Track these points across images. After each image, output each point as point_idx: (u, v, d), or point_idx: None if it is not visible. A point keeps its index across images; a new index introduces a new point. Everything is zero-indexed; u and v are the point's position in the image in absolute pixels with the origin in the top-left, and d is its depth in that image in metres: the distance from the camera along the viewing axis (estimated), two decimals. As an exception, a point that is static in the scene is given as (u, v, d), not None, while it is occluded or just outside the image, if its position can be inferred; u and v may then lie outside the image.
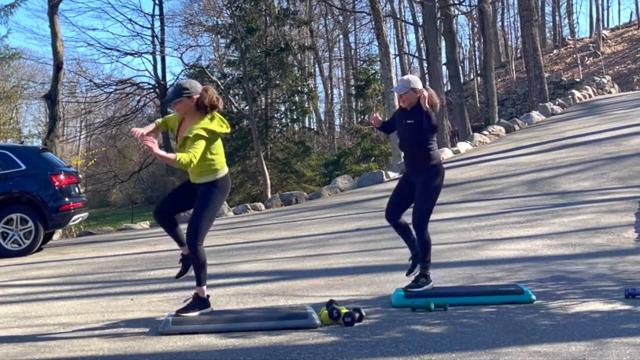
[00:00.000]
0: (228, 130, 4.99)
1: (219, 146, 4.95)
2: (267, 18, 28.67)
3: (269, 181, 23.55)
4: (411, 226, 5.49)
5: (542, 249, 7.21)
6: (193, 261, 4.94)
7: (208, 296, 5.03)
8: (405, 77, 5.58)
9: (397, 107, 5.59)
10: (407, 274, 5.53)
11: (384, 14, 23.83)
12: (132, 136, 34.26)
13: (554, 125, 18.88)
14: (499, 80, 34.27)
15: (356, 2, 31.06)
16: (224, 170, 4.98)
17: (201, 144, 4.75)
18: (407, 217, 5.48)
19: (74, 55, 45.66)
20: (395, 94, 5.63)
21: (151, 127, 5.06)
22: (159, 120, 5.17)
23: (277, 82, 28.20)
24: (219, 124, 4.91)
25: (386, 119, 5.72)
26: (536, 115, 20.62)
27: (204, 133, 4.78)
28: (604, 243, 7.30)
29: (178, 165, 4.69)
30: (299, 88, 30.15)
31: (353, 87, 34.50)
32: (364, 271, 6.71)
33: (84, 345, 4.51)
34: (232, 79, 28.35)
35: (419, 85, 5.42)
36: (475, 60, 44.75)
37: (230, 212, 14.19)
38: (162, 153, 4.69)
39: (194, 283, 5.01)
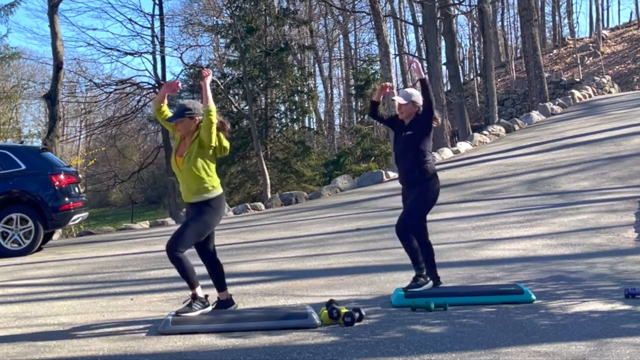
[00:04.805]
0: (227, 149, 5.07)
1: (214, 167, 5.03)
2: (267, 18, 28.65)
3: (268, 181, 23.55)
4: (431, 245, 5.53)
5: (542, 249, 7.22)
6: (177, 269, 4.92)
7: (206, 296, 5.03)
8: (408, 89, 5.67)
9: (397, 108, 5.62)
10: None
11: (383, 13, 23.82)
12: (132, 136, 34.09)
13: (553, 125, 18.88)
14: (499, 80, 34.26)
15: (356, 2, 31.04)
16: (218, 190, 5.00)
17: (215, 126, 4.91)
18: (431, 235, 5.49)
19: (74, 55, 45.63)
20: (396, 103, 5.64)
21: (164, 101, 5.13)
22: (166, 105, 5.15)
23: (277, 82, 28.18)
24: (223, 138, 5.05)
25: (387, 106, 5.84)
26: (536, 115, 20.62)
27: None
28: (604, 243, 7.30)
29: (207, 111, 4.85)
30: (299, 88, 30.13)
31: (353, 87, 34.49)
32: (364, 271, 6.71)
33: (84, 345, 4.51)
34: (232, 79, 28.33)
35: (419, 100, 5.51)
36: (475, 60, 44.73)
37: (230, 212, 14.19)
38: (209, 90, 4.97)
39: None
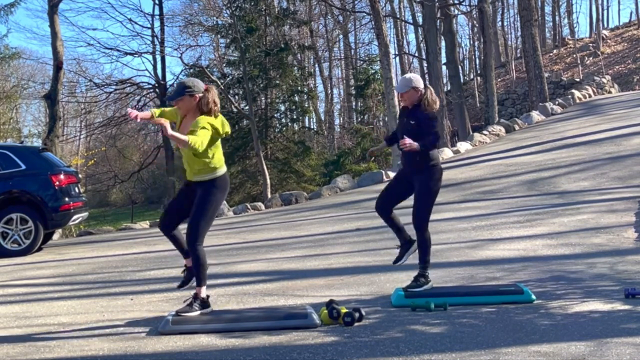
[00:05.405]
0: (229, 131, 5.00)
1: (218, 146, 4.96)
2: (267, 18, 28.66)
3: (268, 181, 23.55)
4: (399, 217, 5.53)
5: (542, 249, 7.21)
6: (193, 261, 4.93)
7: (208, 296, 5.03)
8: (407, 75, 5.55)
9: (398, 105, 5.58)
10: (395, 263, 5.55)
11: (384, 13, 23.82)
12: (132, 136, 34.17)
13: (553, 125, 18.88)
14: (499, 80, 34.27)
15: (356, 2, 31.05)
16: (222, 169, 4.97)
17: (207, 134, 4.77)
18: (405, 218, 5.48)
19: (74, 55, 45.63)
20: (396, 93, 5.59)
21: (147, 114, 5.02)
22: (155, 110, 5.10)
23: (277, 82, 28.19)
24: (222, 123, 4.93)
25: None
26: (536, 115, 20.62)
27: (208, 126, 4.80)
28: (604, 243, 7.30)
29: (188, 147, 4.68)
30: (299, 88, 30.14)
31: (353, 87, 34.50)
32: (364, 271, 6.71)
33: (84, 345, 4.51)
34: (232, 79, 28.33)
35: (420, 84, 5.41)
36: (475, 60, 44.74)
37: (230, 212, 14.19)
38: (175, 134, 4.69)
39: (193, 283, 5.02)
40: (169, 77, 44.30)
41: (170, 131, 4.66)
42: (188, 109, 4.92)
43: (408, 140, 5.18)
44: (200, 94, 4.88)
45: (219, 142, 4.97)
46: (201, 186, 4.92)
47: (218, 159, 4.94)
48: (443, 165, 5.71)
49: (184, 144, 4.66)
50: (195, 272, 4.94)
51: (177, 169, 25.23)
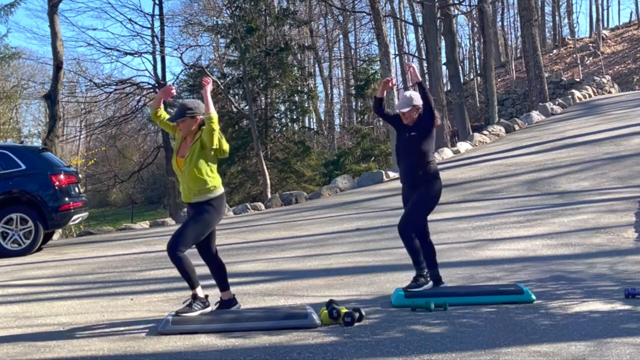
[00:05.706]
0: (227, 150, 5.08)
1: (215, 167, 5.04)
2: (267, 18, 28.67)
3: (268, 181, 23.55)
4: (432, 245, 5.53)
5: (542, 249, 7.22)
6: (177, 268, 4.91)
7: (206, 296, 5.03)
8: (407, 93, 5.56)
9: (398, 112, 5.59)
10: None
11: (383, 13, 23.83)
12: (132, 136, 34.09)
13: (553, 125, 18.88)
14: (499, 80, 34.25)
15: (356, 2, 31.03)
16: (220, 189, 5.02)
17: (217, 132, 4.95)
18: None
19: (74, 55, 45.75)
20: (397, 110, 5.61)
21: (158, 104, 5.12)
22: (162, 109, 5.15)
23: (277, 82, 28.19)
24: (224, 139, 5.08)
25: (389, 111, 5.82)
26: (536, 115, 20.62)
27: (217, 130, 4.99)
28: (604, 243, 7.30)
29: (208, 119, 4.88)
30: (299, 88, 30.15)
31: (353, 87, 34.50)
32: (364, 271, 6.71)
33: (84, 345, 4.51)
34: (232, 79, 28.34)
35: (419, 102, 5.46)
36: (475, 60, 44.75)
37: (230, 212, 14.19)
38: (210, 99, 4.99)
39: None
40: (169, 77, 44.25)
41: (209, 91, 5.01)
42: (188, 130, 4.99)
43: (413, 66, 5.56)
44: (201, 116, 4.96)
45: (215, 165, 5.05)
46: (198, 206, 4.94)
47: (217, 179, 5.02)
48: (443, 166, 5.75)
49: (207, 109, 4.91)
50: (185, 278, 4.93)
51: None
